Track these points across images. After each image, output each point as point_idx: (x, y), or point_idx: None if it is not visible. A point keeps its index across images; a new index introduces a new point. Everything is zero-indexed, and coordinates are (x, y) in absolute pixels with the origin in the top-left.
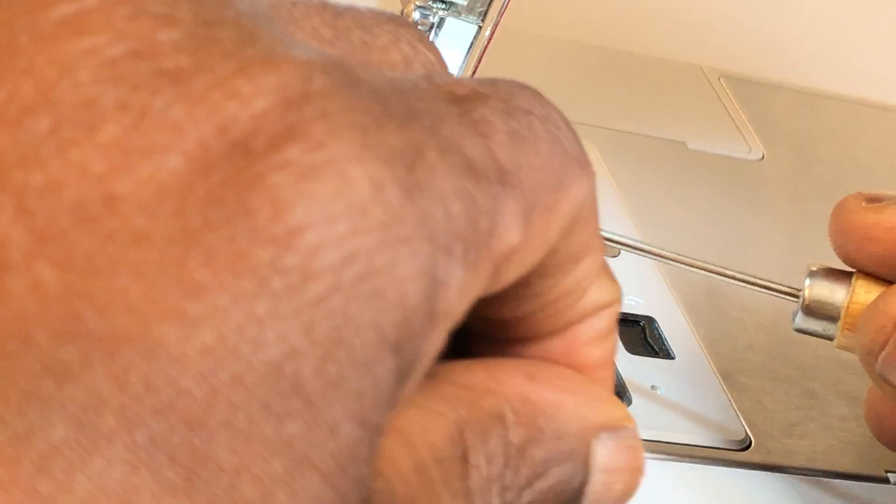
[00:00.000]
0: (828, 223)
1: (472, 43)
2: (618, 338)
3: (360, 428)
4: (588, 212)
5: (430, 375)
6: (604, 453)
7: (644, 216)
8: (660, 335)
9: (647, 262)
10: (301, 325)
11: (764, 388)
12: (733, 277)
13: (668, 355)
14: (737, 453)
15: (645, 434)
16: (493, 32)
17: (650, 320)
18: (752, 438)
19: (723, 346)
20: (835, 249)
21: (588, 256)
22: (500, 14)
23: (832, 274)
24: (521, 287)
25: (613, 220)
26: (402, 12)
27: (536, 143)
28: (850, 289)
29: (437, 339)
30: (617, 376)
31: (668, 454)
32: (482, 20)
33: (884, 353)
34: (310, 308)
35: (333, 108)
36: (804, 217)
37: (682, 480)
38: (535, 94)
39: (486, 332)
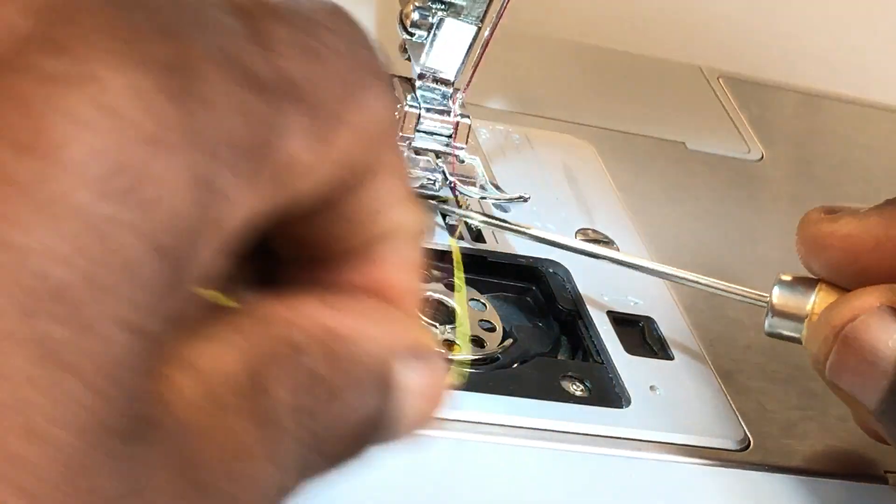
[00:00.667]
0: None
1: (471, 43)
2: (617, 338)
3: (129, 334)
4: (386, 125)
5: (226, 311)
6: (405, 376)
7: (643, 216)
8: (659, 335)
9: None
10: (65, 233)
11: (763, 389)
12: (705, 286)
13: (667, 356)
14: (736, 453)
15: (644, 434)
16: (492, 33)
17: (649, 321)
18: (752, 439)
19: (722, 346)
20: (800, 260)
21: (386, 173)
22: (500, 14)
23: (799, 282)
24: (320, 202)
25: (613, 219)
26: (401, 12)
27: (327, 56)
28: (814, 297)
29: (213, 247)
30: (616, 376)
31: (667, 454)
32: (481, 20)
33: (829, 362)
34: (73, 216)
35: (94, 21)
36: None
37: (682, 481)
38: (337, 9)
39: (292, 254)
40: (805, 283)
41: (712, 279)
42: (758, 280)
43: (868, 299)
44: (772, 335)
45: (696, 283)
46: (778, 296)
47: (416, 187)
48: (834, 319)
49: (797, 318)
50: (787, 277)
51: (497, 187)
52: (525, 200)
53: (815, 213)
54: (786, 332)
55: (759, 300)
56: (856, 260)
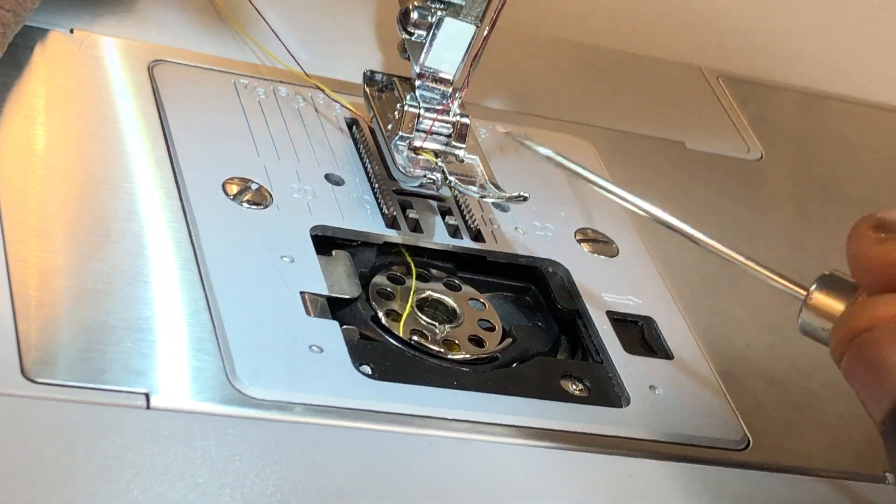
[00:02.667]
0: (826, 227)
1: (470, 42)
2: (617, 337)
3: None
4: None
5: None
6: None
7: (643, 216)
8: (658, 335)
9: (646, 262)
10: None
11: (762, 388)
12: (746, 264)
13: (666, 355)
14: (735, 453)
15: (644, 434)
16: (490, 32)
17: (648, 320)
18: (751, 438)
19: (721, 345)
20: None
21: None
22: (498, 13)
23: (841, 283)
24: None
25: (612, 219)
26: (401, 12)
27: None
28: (853, 301)
29: None
30: (615, 376)
31: (666, 454)
32: (480, 20)
33: (843, 365)
34: None
35: None
36: (802, 217)
37: (681, 480)
38: None
39: None
40: (847, 286)
41: (757, 261)
42: (758, 279)
43: (888, 310)
44: (805, 332)
45: (738, 261)
46: (816, 290)
47: (416, 186)
48: (852, 323)
49: (831, 317)
50: (828, 273)
51: (496, 186)
52: (524, 199)
53: (864, 226)
54: (818, 333)
55: (799, 290)
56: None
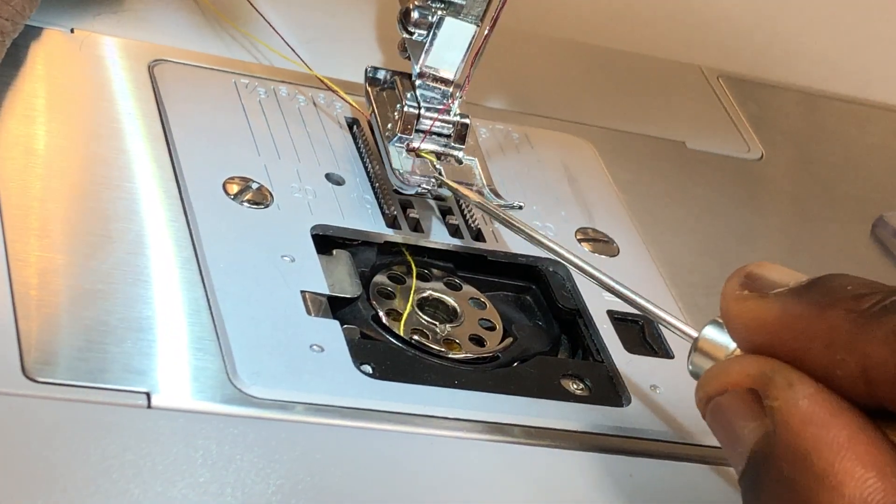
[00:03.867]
0: (826, 227)
1: (470, 42)
2: (618, 336)
3: None
4: None
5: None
6: None
7: (643, 216)
8: (659, 335)
9: (646, 262)
10: None
11: None
12: (642, 308)
13: (667, 354)
14: None
15: (644, 433)
16: (491, 32)
17: (649, 319)
18: None
19: None
20: None
21: None
22: (498, 13)
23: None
24: None
25: (612, 219)
26: (401, 11)
27: None
28: (735, 346)
29: None
30: (616, 375)
31: (667, 454)
32: (481, 20)
33: (706, 421)
34: None
35: None
36: (803, 217)
37: (682, 479)
38: None
39: None
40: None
41: (652, 303)
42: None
43: (739, 376)
44: (694, 375)
45: (634, 303)
46: (702, 337)
47: (412, 195)
48: (707, 386)
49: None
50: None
51: (494, 192)
52: (520, 208)
53: (734, 280)
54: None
55: (689, 335)
56: (756, 348)
